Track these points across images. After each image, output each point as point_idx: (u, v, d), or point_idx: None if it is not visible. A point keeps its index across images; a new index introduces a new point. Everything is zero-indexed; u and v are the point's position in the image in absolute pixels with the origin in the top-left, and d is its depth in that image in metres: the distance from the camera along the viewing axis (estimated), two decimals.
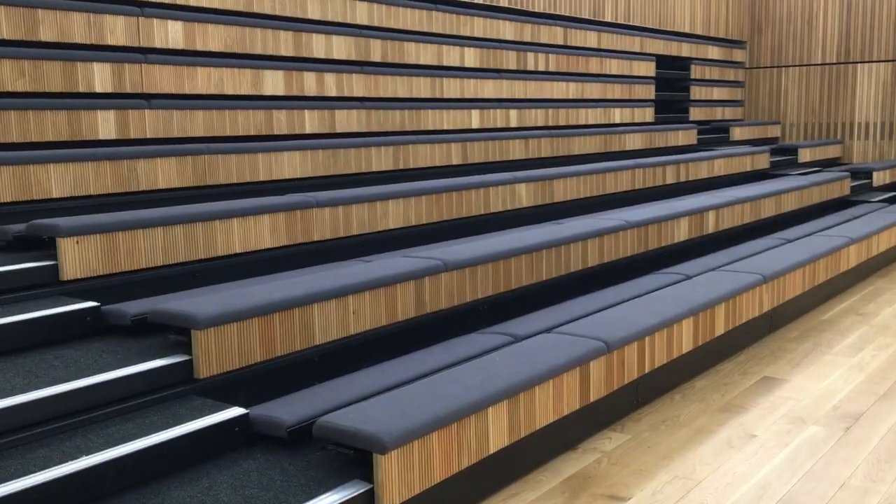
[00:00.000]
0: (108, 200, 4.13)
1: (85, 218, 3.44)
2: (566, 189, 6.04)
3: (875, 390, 3.98)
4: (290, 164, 5.02)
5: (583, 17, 8.42)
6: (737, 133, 10.45)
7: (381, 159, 5.59)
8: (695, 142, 9.61)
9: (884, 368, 4.31)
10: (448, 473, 2.69)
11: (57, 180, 3.95)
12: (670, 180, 7.38)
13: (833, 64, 10.70)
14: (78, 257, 3.31)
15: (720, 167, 8.22)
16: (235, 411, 2.79)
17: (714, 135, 10.32)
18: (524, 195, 5.65)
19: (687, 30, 10.18)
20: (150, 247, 3.57)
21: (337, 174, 5.32)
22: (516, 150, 6.76)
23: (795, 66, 10.98)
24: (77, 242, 3.31)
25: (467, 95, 6.79)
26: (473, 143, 6.32)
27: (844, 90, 10.66)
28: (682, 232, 5.68)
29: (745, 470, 3.12)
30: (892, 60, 10.25)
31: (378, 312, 3.52)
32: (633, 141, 8.37)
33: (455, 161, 6.16)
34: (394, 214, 4.71)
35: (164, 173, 4.39)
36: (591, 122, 8.23)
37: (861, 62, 10.49)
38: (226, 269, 3.93)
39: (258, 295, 3.16)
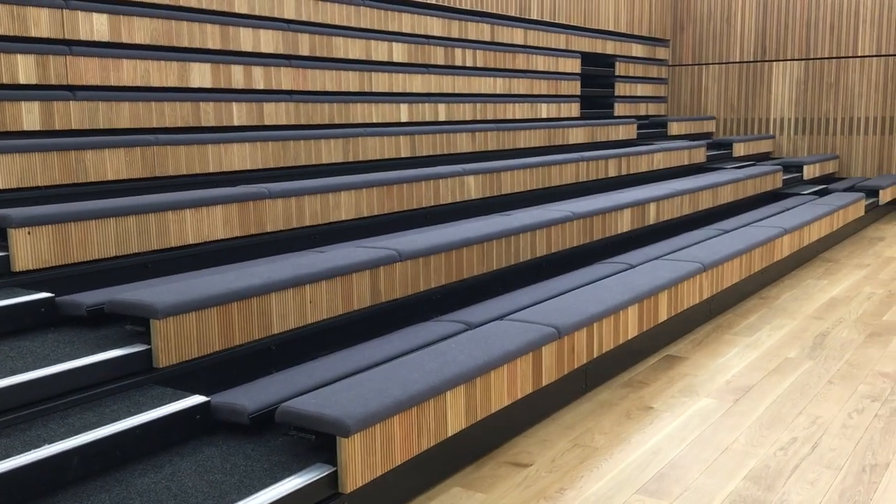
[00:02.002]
0: (56, 192, 4.08)
1: (36, 209, 3.40)
2: (513, 181, 6.16)
3: (766, 366, 4.25)
4: (240, 156, 5.02)
5: (509, 14, 8.60)
6: (674, 128, 10.75)
7: (331, 152, 5.61)
8: (634, 136, 9.86)
9: (777, 346, 4.59)
10: (408, 456, 2.76)
11: (2, 171, 3.89)
12: (613, 173, 7.57)
13: (750, 62, 11.18)
14: (30, 248, 3.28)
15: (660, 161, 8.45)
16: (196, 399, 2.81)
17: (652, 129, 10.60)
18: (473, 187, 5.75)
19: (611, 28, 10.47)
20: (102, 238, 3.55)
21: (287, 166, 5.33)
22: (464, 143, 6.85)
23: (715, 63, 11.44)
24: (29, 233, 3.27)
25: (396, 90, 6.87)
26: (422, 137, 6.39)
27: (761, 87, 11.16)
28: (625, 223, 5.85)
29: (639, 438, 3.36)
30: (805, 59, 10.76)
31: (335, 301, 3.57)
32: (576, 135, 8.55)
33: (404, 154, 6.22)
34: (346, 206, 4.76)
35: (113, 164, 4.36)
36: (518, 117, 8.36)
37: (776, 60, 10.98)
38: (179, 260, 3.92)
39: (216, 284, 3.18)
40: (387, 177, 5.08)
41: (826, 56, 10.63)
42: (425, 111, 7.10)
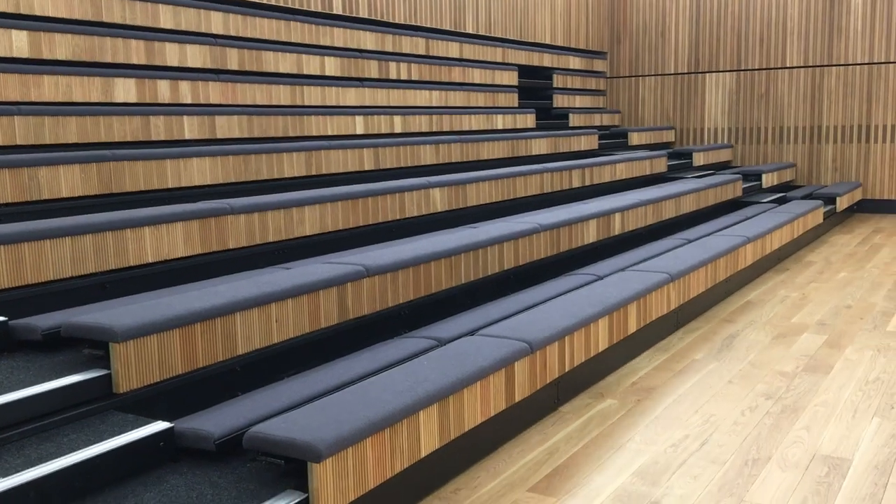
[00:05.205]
0: (7, 210, 3.93)
1: None
2: (479, 193, 6.11)
3: (673, 368, 4.35)
4: (199, 171, 4.90)
5: (444, 28, 8.62)
6: (634, 138, 10.83)
7: (293, 165, 5.51)
8: (596, 147, 9.90)
9: (686, 349, 4.69)
10: (382, 479, 2.68)
11: None
12: (576, 184, 7.57)
13: (684, 73, 11.48)
14: None
15: (622, 171, 8.48)
16: (159, 426, 2.70)
17: (612, 140, 10.67)
18: (438, 200, 5.69)
19: (548, 41, 10.61)
20: (58, 258, 3.42)
21: (248, 180, 5.22)
22: (428, 155, 6.80)
23: (651, 75, 11.72)
24: None
25: (329, 103, 6.81)
26: (386, 149, 6.32)
27: (695, 98, 11.48)
28: (591, 234, 5.84)
29: (539, 439, 3.43)
30: (736, 70, 11.07)
31: (301, 320, 3.47)
32: (539, 146, 8.55)
33: (368, 167, 6.14)
34: (310, 220, 4.66)
35: (68, 181, 4.21)
36: (474, 128, 8.35)
37: (709, 72, 11.29)
38: (138, 279, 3.80)
39: (178, 305, 3.07)
40: (351, 190, 5.00)
41: (756, 67, 10.97)
42: (380, 123, 7.03)
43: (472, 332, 3.85)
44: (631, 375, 4.23)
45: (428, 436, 2.87)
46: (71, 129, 4.66)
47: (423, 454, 2.86)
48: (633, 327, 4.42)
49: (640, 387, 4.04)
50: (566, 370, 3.76)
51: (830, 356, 4.49)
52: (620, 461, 3.19)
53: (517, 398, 3.39)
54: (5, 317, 3.07)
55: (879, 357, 4.46)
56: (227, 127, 5.59)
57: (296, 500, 2.44)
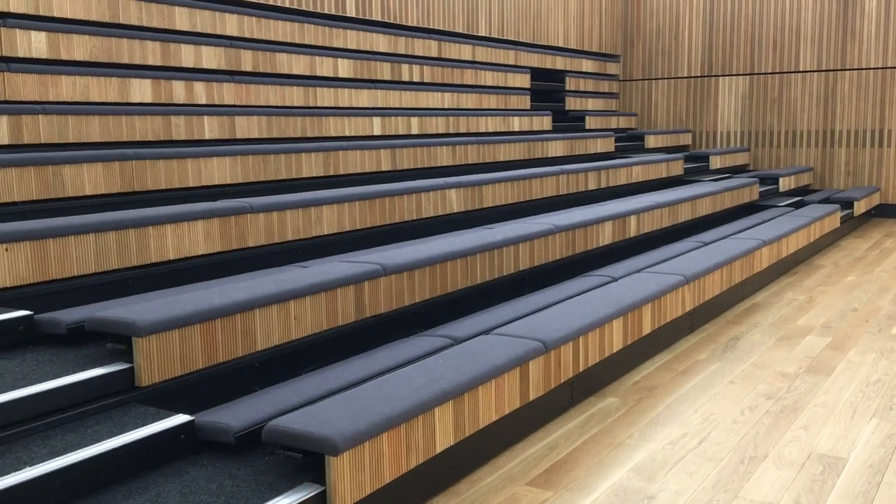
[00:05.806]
0: (33, 207, 4.01)
1: (13, 224, 3.33)
2: (495, 195, 6.15)
3: (676, 368, 4.38)
4: (220, 170, 4.97)
5: (457, 31, 8.66)
6: (651, 141, 10.84)
7: (311, 166, 5.58)
8: (613, 149, 9.92)
9: (690, 349, 4.73)
10: (397, 474, 2.73)
11: None
12: (592, 186, 7.59)
13: (697, 77, 11.48)
14: (7, 265, 3.21)
15: (638, 174, 8.50)
16: (181, 418, 2.76)
17: (629, 143, 10.68)
18: (454, 201, 5.73)
19: (561, 44, 10.63)
20: (81, 254, 3.49)
21: (267, 180, 5.29)
22: (444, 156, 6.85)
23: (664, 78, 11.74)
24: (6, 250, 3.20)
25: (341, 105, 6.88)
26: (403, 150, 6.37)
27: (707, 101, 11.49)
28: (606, 235, 5.86)
29: (539, 435, 3.49)
30: (749, 74, 11.07)
31: (319, 317, 3.53)
32: (555, 148, 8.58)
33: (385, 167, 6.20)
34: (328, 220, 4.72)
35: (91, 179, 4.29)
36: (490, 130, 8.39)
37: (722, 75, 11.30)
38: (159, 276, 3.86)
39: (199, 301, 3.13)
40: (368, 190, 5.05)
41: (770, 71, 10.97)
42: (398, 124, 7.09)
43: (487, 332, 3.89)
44: (634, 375, 4.27)
45: (443, 432, 2.92)
46: (94, 129, 4.74)
47: (438, 450, 2.91)
48: (647, 328, 4.44)
49: (641, 386, 4.09)
50: (580, 370, 3.80)
51: (833, 358, 4.51)
52: (618, 457, 3.24)
53: (531, 397, 3.43)
54: (31, 311, 3.14)
55: (882, 360, 4.47)
56: (246, 127, 5.67)
57: (313, 493, 2.49)
